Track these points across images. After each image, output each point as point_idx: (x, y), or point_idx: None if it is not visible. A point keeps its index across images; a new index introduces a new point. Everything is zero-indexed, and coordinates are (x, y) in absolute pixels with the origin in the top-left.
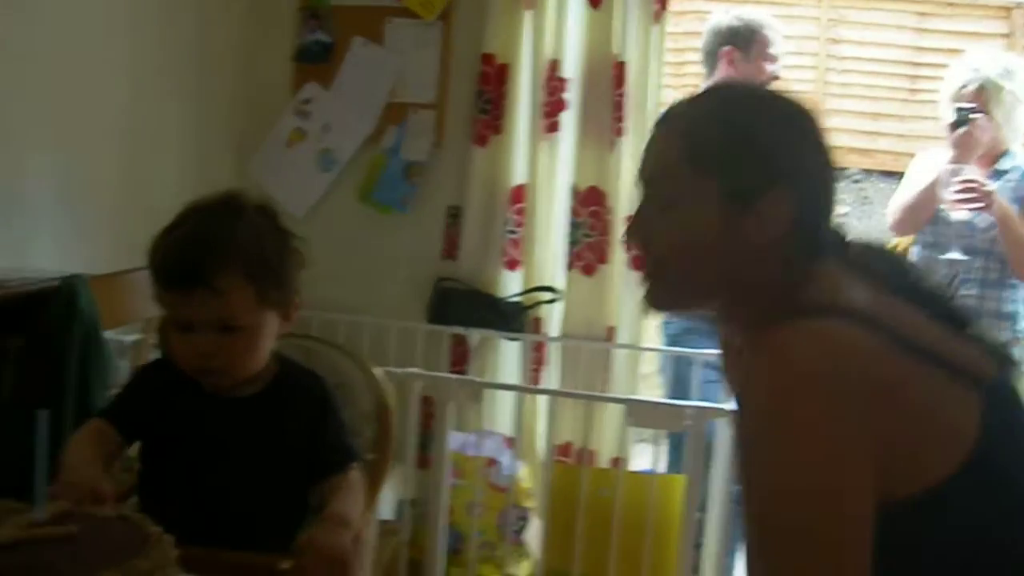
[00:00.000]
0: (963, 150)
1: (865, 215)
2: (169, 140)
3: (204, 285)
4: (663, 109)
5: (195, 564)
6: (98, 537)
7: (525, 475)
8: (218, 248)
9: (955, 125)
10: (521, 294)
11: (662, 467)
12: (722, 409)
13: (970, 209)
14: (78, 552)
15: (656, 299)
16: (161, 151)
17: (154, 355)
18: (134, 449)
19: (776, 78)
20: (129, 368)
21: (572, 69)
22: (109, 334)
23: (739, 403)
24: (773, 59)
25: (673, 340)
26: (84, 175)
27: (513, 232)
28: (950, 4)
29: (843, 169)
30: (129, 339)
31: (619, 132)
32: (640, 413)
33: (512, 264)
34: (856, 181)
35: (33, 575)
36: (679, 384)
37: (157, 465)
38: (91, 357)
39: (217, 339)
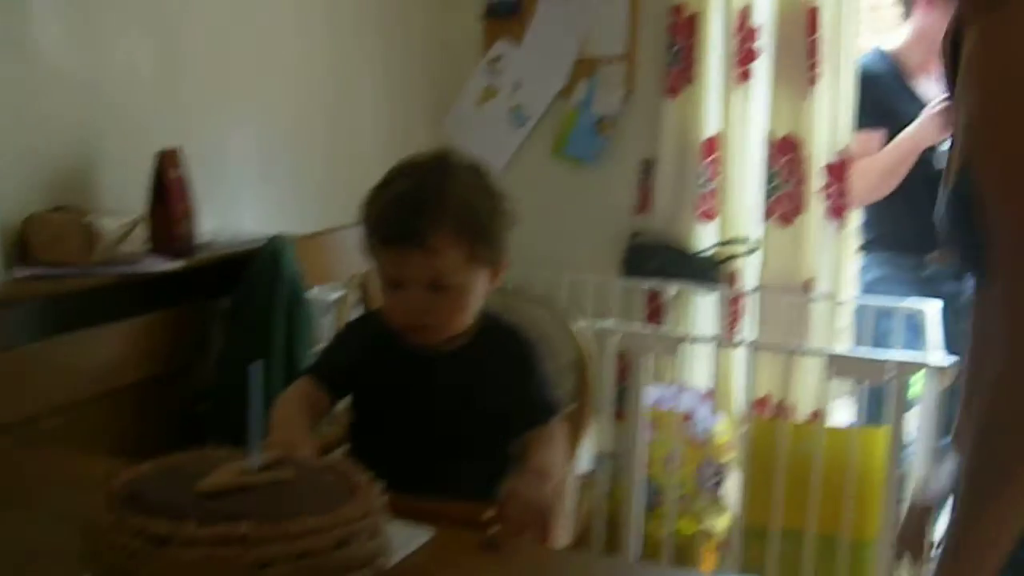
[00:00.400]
0: None
1: None
2: (365, 104)
3: (417, 245)
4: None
5: (401, 511)
6: (309, 484)
7: (723, 429)
8: (432, 209)
9: None
10: (716, 246)
11: (854, 421)
12: (923, 363)
13: None
14: (291, 498)
15: None
16: (358, 116)
17: (356, 312)
18: (340, 403)
19: None
20: (332, 325)
21: (763, 16)
22: (312, 292)
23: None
24: None
25: (869, 289)
26: (286, 141)
27: (707, 184)
28: None
29: None
30: (332, 296)
31: (814, 79)
32: (841, 366)
33: (707, 216)
34: None
35: (249, 519)
36: (878, 336)
37: (364, 418)
38: (296, 315)
39: (427, 297)
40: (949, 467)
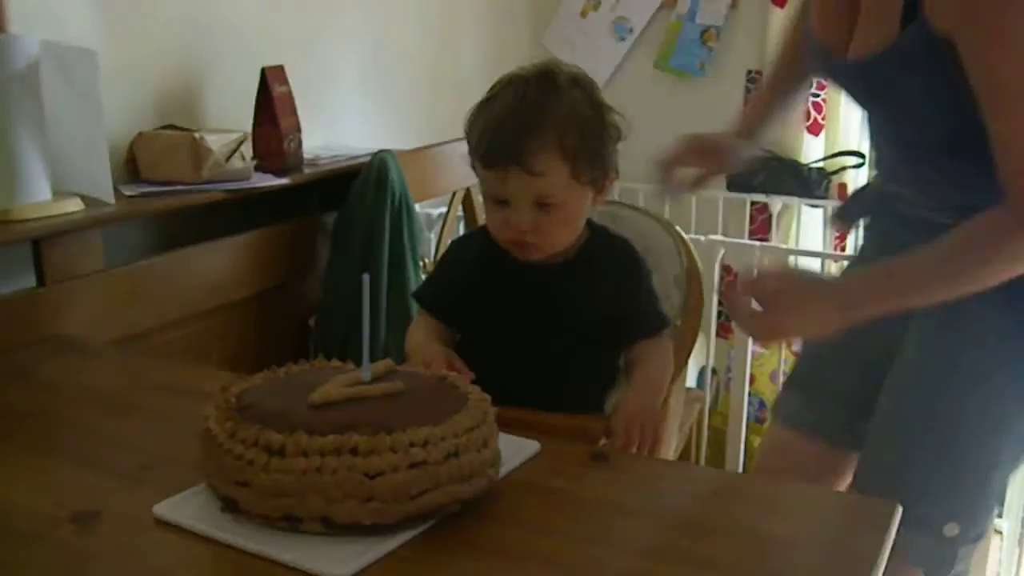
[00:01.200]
0: None
1: None
2: (467, 18)
3: (520, 165)
4: None
5: (511, 423)
6: (420, 395)
7: None
8: (535, 128)
9: None
10: (824, 159)
11: None
12: None
13: None
14: (402, 409)
15: None
16: (460, 30)
17: (460, 227)
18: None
19: None
20: (436, 240)
21: None
22: (417, 207)
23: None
24: None
25: None
26: (388, 57)
27: (815, 95)
28: None
29: None
30: (436, 212)
31: None
32: None
33: (814, 128)
34: None
35: (360, 430)
36: None
37: (473, 333)
38: (402, 229)
39: (532, 215)
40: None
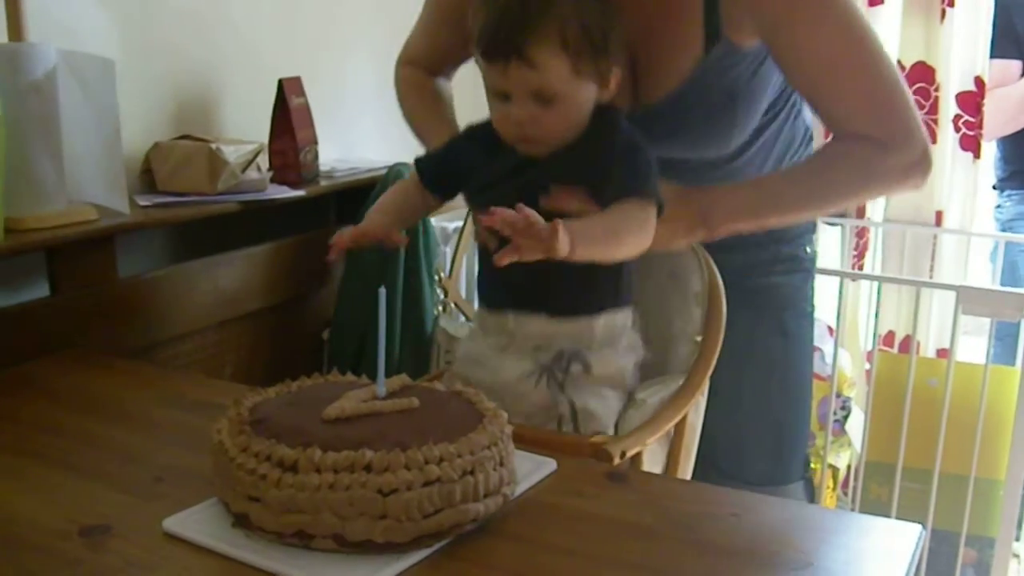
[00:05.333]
0: None
1: None
2: None
3: (520, 58)
4: None
5: (525, 441)
6: (436, 412)
7: (847, 364)
8: (536, 20)
9: None
10: None
11: (978, 358)
12: None
13: None
14: (417, 426)
15: None
16: None
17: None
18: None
19: None
20: (451, 254)
21: None
22: (433, 220)
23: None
24: None
25: (1005, 229)
26: None
27: None
28: None
29: None
30: (452, 226)
31: (951, 2)
32: (972, 300)
33: None
34: None
35: (375, 446)
36: (1011, 272)
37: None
38: (417, 243)
39: (532, 109)
40: None
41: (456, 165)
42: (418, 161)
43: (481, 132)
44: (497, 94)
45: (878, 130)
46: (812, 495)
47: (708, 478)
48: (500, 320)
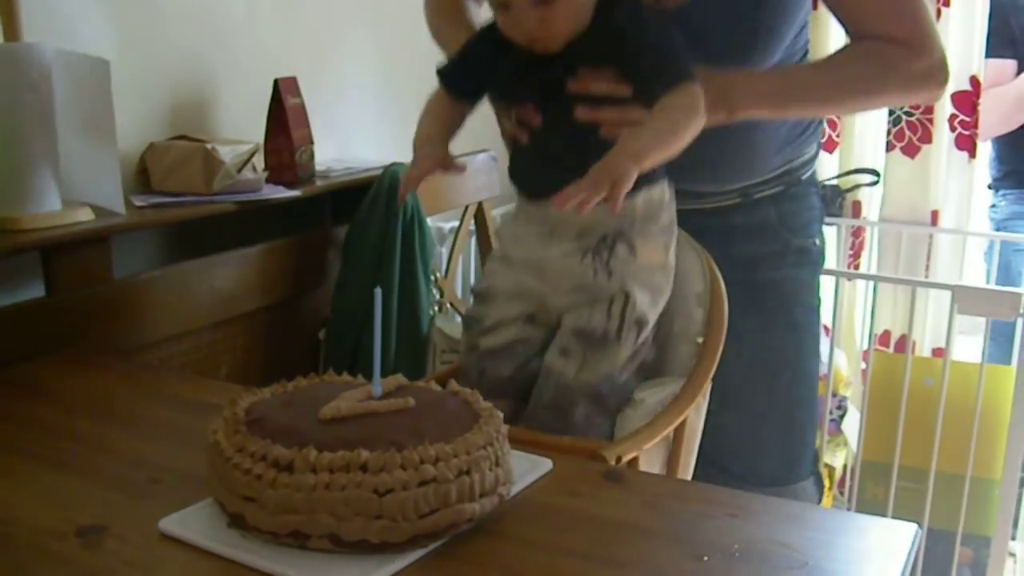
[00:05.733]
0: None
1: None
2: None
3: None
4: None
5: (522, 442)
6: (432, 412)
7: (843, 363)
8: None
9: None
10: (838, 177)
11: (973, 358)
12: None
13: None
14: (413, 425)
15: None
16: None
17: (472, 242)
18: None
19: None
20: (447, 255)
21: None
22: (429, 220)
23: None
24: None
25: (1001, 226)
26: (402, 70)
27: None
28: None
29: None
30: (448, 226)
31: (947, 2)
32: (968, 300)
33: (829, 146)
34: None
35: (371, 446)
36: (1006, 272)
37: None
38: (413, 244)
39: (534, 12)
40: None
41: (474, 68)
42: (439, 71)
43: (491, 32)
44: (498, 4)
45: (898, 31)
46: (822, 491)
47: (717, 482)
48: (541, 209)
